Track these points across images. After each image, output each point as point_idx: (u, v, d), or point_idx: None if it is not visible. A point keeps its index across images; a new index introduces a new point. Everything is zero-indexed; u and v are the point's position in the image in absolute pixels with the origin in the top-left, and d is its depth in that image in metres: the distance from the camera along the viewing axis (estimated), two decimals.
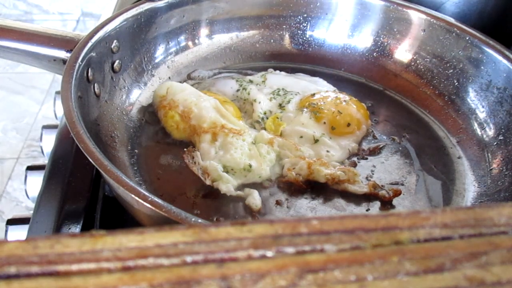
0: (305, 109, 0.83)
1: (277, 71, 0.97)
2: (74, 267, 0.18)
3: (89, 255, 0.18)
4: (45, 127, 0.95)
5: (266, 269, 0.18)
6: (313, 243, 0.19)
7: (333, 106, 0.83)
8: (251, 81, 0.92)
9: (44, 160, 0.86)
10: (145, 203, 0.51)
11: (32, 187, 0.82)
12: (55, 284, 0.17)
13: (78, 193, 0.70)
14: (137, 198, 0.51)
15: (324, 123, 0.81)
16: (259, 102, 0.85)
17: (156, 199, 0.51)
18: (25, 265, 0.18)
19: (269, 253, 0.19)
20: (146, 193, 0.52)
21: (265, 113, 0.84)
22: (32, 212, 0.68)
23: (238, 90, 0.90)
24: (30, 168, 0.85)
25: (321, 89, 0.90)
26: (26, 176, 0.84)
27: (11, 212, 1.85)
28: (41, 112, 2.37)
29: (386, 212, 0.20)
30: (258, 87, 0.90)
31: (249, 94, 0.87)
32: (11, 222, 0.77)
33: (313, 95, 0.86)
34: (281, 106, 0.85)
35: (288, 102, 0.85)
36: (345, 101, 0.85)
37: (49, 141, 0.89)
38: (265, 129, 0.81)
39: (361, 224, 0.20)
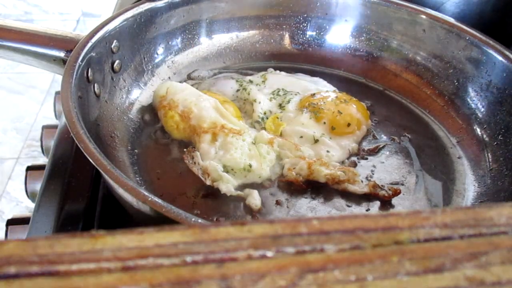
0: (305, 109, 0.83)
1: (277, 71, 0.97)
2: (74, 267, 0.18)
3: (89, 255, 0.18)
4: (45, 127, 0.95)
5: (266, 269, 0.18)
6: (313, 243, 0.19)
7: (333, 106, 0.83)
8: (251, 81, 0.92)
9: (44, 160, 0.86)
10: (145, 204, 0.51)
11: (32, 187, 0.82)
12: (55, 284, 0.17)
13: (78, 193, 0.70)
14: (136, 199, 0.51)
15: (324, 123, 0.81)
16: (259, 102, 0.85)
17: (155, 199, 0.51)
18: (25, 265, 0.18)
19: (269, 253, 0.19)
20: (146, 193, 0.51)
21: (265, 113, 0.84)
22: (32, 212, 0.68)
23: (238, 90, 0.90)
24: (30, 168, 0.85)
25: (321, 89, 0.90)
26: (26, 176, 0.84)
27: (11, 212, 1.85)
28: (41, 112, 2.37)
29: (386, 212, 0.20)
30: (258, 87, 0.90)
31: (249, 94, 0.87)
32: (11, 222, 0.77)
33: (313, 95, 0.86)
34: (281, 106, 0.85)
35: (288, 102, 0.85)
36: (345, 101, 0.85)
37: (49, 141, 0.89)
38: (265, 129, 0.81)
39: (361, 224, 0.20)
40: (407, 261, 0.19)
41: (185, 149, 0.76)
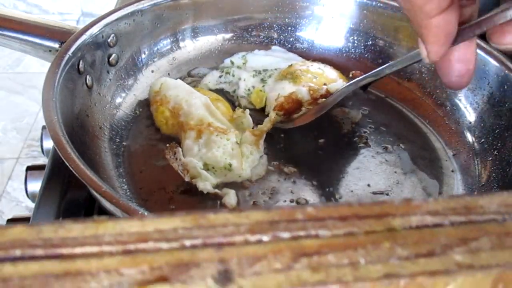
0: (284, 79, 0.87)
1: (256, 50, 0.98)
2: (77, 250, 0.18)
3: (92, 239, 0.19)
4: (45, 127, 0.95)
5: (262, 253, 0.19)
6: (308, 229, 0.20)
7: (309, 73, 0.88)
8: (232, 62, 0.94)
9: (44, 160, 0.86)
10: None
11: (32, 187, 0.82)
12: (59, 266, 0.18)
13: (78, 193, 0.70)
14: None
15: (303, 86, 0.84)
16: (244, 80, 0.89)
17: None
18: (29, 248, 0.18)
19: (265, 238, 0.20)
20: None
21: (249, 89, 0.88)
22: (32, 212, 0.68)
23: (220, 76, 0.91)
24: (30, 168, 0.85)
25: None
26: (26, 176, 0.84)
27: (11, 212, 1.85)
28: (41, 112, 2.37)
29: (379, 200, 0.21)
30: (239, 70, 0.93)
31: (233, 75, 0.90)
32: (11, 222, 0.77)
33: (290, 66, 0.90)
34: (263, 80, 0.90)
35: (269, 76, 0.90)
36: (319, 68, 0.90)
37: (49, 141, 0.89)
38: (251, 103, 0.87)
39: (355, 212, 0.21)
40: (399, 246, 0.20)
41: (167, 145, 0.76)
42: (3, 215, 1.91)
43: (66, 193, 0.70)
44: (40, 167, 0.84)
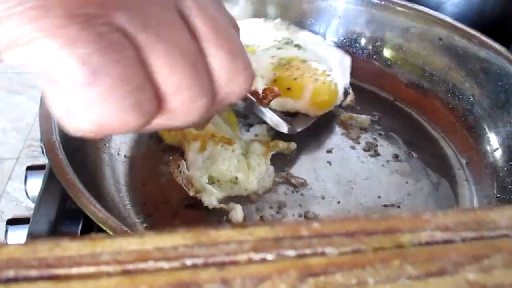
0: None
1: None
2: (74, 270, 0.18)
3: (89, 259, 0.18)
4: None
5: (266, 272, 0.18)
6: (314, 246, 0.19)
7: (296, 69, 0.80)
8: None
9: (44, 160, 0.85)
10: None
11: (32, 187, 0.82)
12: (54, 287, 0.17)
13: None
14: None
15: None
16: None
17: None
18: (24, 269, 0.18)
19: (270, 256, 0.19)
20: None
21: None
22: (32, 212, 0.68)
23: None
24: (30, 168, 0.85)
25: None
26: (26, 176, 0.84)
27: (11, 212, 1.85)
28: None
29: (387, 215, 0.20)
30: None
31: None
32: (11, 222, 0.76)
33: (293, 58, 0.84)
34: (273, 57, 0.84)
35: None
36: (315, 73, 0.81)
37: None
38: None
39: (362, 227, 0.20)
40: (409, 264, 0.19)
41: (170, 158, 0.74)
42: (3, 215, 1.91)
43: (66, 193, 0.70)
44: (40, 167, 0.83)
